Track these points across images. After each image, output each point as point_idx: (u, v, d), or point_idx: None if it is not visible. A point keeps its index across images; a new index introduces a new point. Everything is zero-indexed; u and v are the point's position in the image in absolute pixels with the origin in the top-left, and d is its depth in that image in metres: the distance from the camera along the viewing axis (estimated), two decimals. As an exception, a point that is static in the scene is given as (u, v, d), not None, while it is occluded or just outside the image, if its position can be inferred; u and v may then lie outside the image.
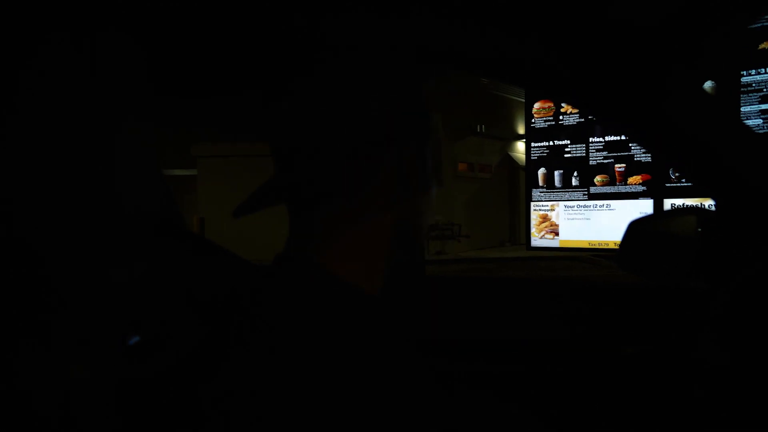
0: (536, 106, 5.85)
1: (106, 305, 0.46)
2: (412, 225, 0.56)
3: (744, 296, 0.72)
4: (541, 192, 5.81)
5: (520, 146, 11.81)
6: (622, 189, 5.32)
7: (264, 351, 0.42)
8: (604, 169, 5.42)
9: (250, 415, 0.38)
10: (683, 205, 4.76)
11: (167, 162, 9.17)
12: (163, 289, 0.77)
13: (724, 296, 0.74)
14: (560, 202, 5.68)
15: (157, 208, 0.97)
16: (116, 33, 0.48)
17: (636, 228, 0.88)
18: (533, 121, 5.91)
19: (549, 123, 5.79)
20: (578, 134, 5.58)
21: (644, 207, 5.08)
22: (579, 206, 5.58)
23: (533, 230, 5.82)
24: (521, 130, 11.53)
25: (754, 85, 4.45)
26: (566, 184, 5.65)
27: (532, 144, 5.91)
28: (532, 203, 5.86)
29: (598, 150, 5.47)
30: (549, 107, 5.77)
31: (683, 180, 4.80)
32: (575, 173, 5.59)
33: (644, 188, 5.20)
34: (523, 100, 6.39)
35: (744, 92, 4.47)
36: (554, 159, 5.72)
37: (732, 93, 4.47)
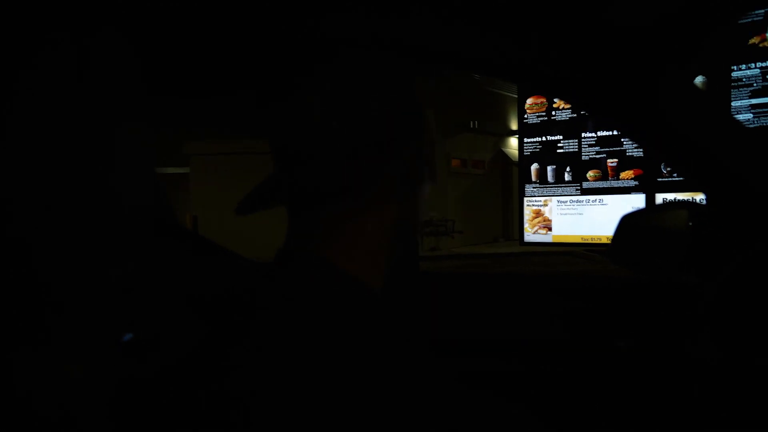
0: (529, 101, 5.87)
1: (104, 305, 0.46)
2: (410, 222, 0.56)
3: (734, 289, 0.73)
4: (534, 187, 5.84)
5: (513, 142, 11.83)
6: (615, 184, 5.35)
7: (274, 348, 0.41)
8: (596, 164, 5.45)
9: (263, 414, 0.38)
10: (675, 199, 4.80)
11: (160, 160, 9.13)
12: (163, 289, 0.77)
13: (714, 290, 0.75)
14: (553, 197, 5.71)
15: (151, 207, 0.97)
16: (112, 31, 0.48)
17: (628, 222, 0.89)
18: (526, 116, 5.92)
19: (542, 118, 5.81)
20: (571, 130, 5.61)
21: (636, 201, 5.11)
22: (572, 201, 5.61)
23: (526, 225, 5.84)
24: (514, 126, 11.56)
25: (744, 80, 4.48)
26: (559, 179, 5.67)
27: (525, 139, 5.93)
28: (525, 198, 5.88)
29: (590, 145, 5.50)
30: (541, 103, 5.79)
31: (675, 175, 4.83)
32: (568, 168, 5.61)
33: (636, 183, 5.23)
34: (516, 96, 6.40)
35: (734, 87, 4.51)
36: (547, 154, 5.74)
37: (722, 88, 4.49)
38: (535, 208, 5.82)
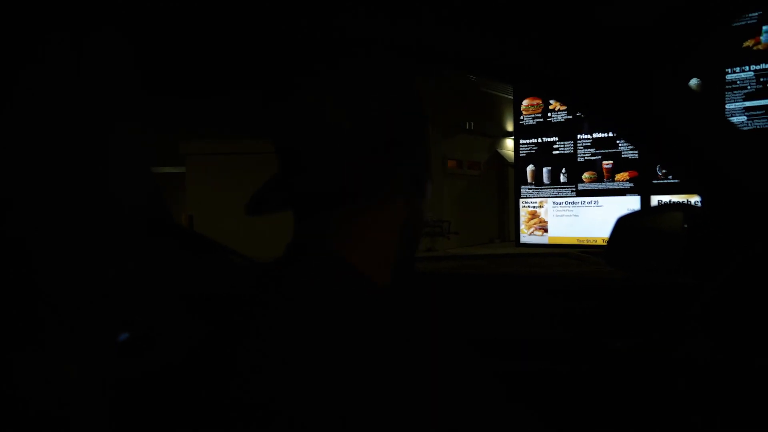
0: (525, 103, 5.88)
1: (102, 304, 0.46)
2: (413, 222, 0.57)
3: (732, 291, 0.74)
4: (529, 189, 5.85)
5: (509, 143, 11.86)
6: (610, 186, 5.38)
7: (284, 346, 0.41)
8: (591, 165, 5.48)
9: (268, 412, 0.38)
10: (670, 201, 4.82)
11: (156, 159, 9.10)
12: (162, 288, 0.77)
13: (710, 291, 0.75)
14: (549, 199, 5.73)
15: (147, 206, 0.97)
16: (111, 31, 0.48)
17: (623, 224, 0.89)
18: (522, 118, 5.94)
19: (537, 120, 5.83)
20: (566, 131, 5.63)
21: (631, 203, 5.14)
22: (567, 203, 5.63)
23: (522, 227, 5.86)
24: (510, 127, 11.59)
25: (738, 82, 4.51)
26: (555, 180, 5.69)
27: (521, 141, 5.95)
28: (521, 200, 5.90)
29: (585, 147, 5.52)
30: (537, 104, 5.80)
31: (670, 177, 4.85)
32: (563, 170, 5.63)
33: (631, 185, 5.25)
34: (512, 97, 6.42)
35: (729, 89, 4.54)
36: (543, 156, 5.76)
37: (717, 90, 4.52)
38: (531, 209, 5.84)
